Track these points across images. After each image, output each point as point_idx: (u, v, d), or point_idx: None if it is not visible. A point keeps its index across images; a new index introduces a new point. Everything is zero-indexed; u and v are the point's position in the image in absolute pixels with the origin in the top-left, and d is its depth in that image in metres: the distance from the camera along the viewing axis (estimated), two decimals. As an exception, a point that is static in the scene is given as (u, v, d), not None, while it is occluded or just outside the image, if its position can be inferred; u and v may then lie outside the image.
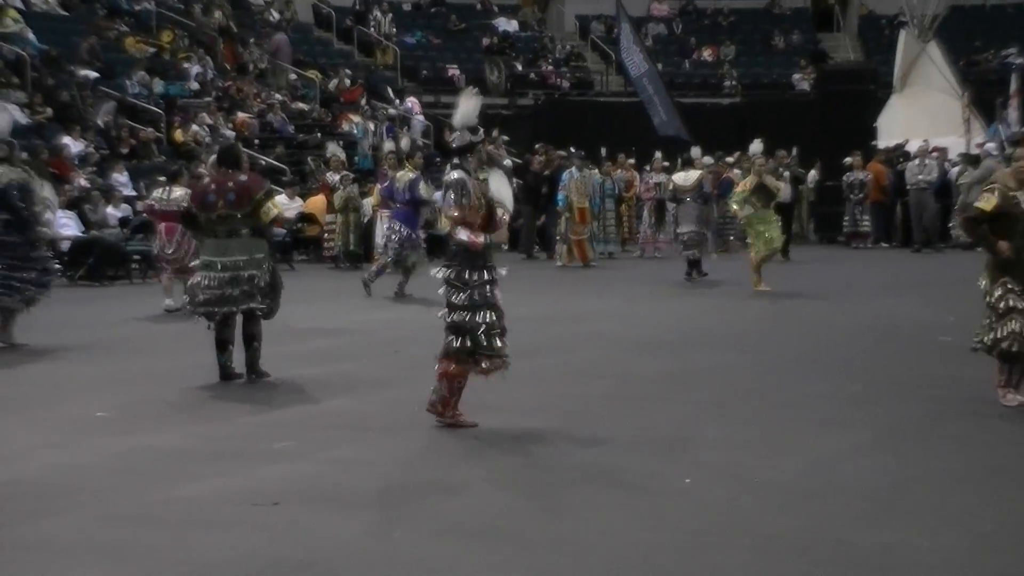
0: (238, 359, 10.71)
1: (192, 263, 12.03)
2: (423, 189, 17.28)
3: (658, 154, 25.95)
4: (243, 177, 10.73)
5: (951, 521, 6.40)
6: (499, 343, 8.59)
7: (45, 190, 13.46)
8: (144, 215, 20.75)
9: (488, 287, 8.58)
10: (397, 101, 32.69)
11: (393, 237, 17.27)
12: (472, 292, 8.53)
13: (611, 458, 7.84)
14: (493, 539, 6.24)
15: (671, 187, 20.31)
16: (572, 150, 24.17)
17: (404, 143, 23.04)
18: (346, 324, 14.47)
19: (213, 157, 13.10)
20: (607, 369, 11.30)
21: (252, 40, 32.59)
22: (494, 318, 8.57)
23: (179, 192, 15.42)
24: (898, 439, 8.31)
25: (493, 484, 7.30)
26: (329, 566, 5.83)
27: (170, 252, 15.83)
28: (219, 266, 10.47)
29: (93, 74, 26.98)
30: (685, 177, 19.82)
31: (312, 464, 7.76)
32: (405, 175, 17.41)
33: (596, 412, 9.33)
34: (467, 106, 8.84)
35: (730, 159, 25.77)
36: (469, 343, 8.53)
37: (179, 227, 14.77)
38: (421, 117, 32.29)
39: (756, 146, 18.14)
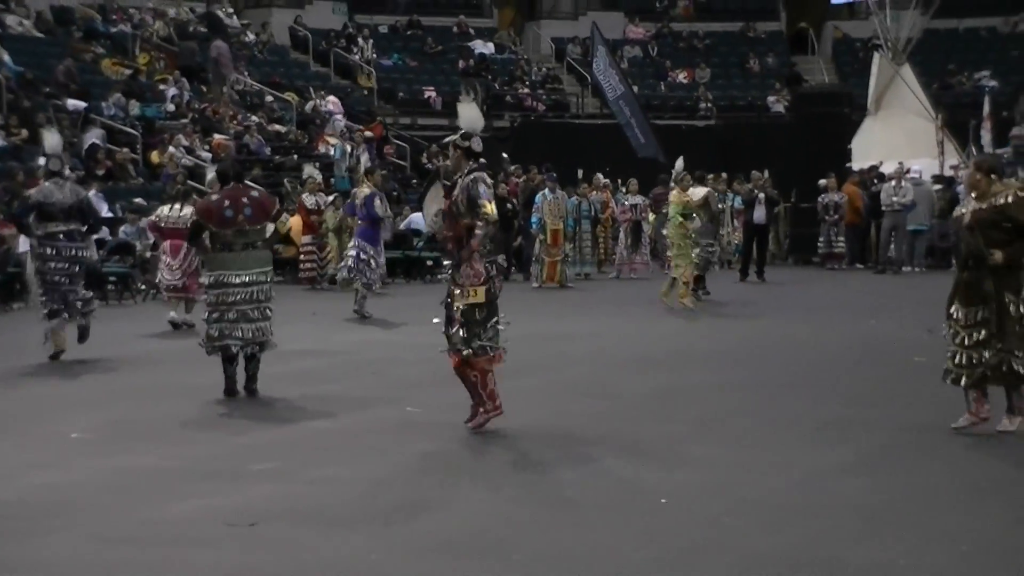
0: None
1: (201, 280, 12.26)
2: (378, 207, 17.20)
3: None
4: (255, 192, 10.93)
5: (936, 539, 6.47)
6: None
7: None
8: (125, 235, 20.90)
9: None
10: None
11: (351, 255, 17.18)
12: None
13: (599, 475, 7.90)
14: (479, 556, 6.27)
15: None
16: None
17: (364, 159, 22.74)
18: (325, 345, 14.47)
19: (212, 176, 13.23)
20: (594, 388, 11.37)
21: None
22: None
23: (189, 210, 15.52)
24: (882, 458, 8.38)
25: (480, 501, 7.34)
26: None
27: (175, 268, 15.98)
28: (239, 280, 10.64)
29: (82, 104, 26.89)
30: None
31: (298, 484, 7.78)
32: (362, 191, 17.37)
33: (584, 430, 9.38)
34: (470, 111, 9.00)
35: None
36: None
37: (184, 244, 15.05)
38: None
39: (679, 164, 18.39)
